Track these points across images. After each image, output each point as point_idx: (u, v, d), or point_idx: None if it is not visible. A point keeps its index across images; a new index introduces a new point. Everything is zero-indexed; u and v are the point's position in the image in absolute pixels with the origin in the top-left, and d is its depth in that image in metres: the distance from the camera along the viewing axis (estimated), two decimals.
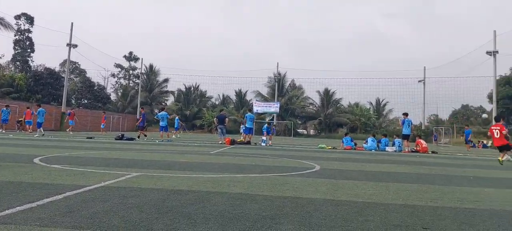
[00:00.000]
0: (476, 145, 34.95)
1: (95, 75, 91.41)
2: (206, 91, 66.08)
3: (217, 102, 65.85)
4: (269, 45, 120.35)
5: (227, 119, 22.78)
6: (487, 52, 36.64)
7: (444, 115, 59.95)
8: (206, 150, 14.15)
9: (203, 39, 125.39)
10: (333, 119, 57.16)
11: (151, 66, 64.25)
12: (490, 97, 40.68)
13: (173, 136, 27.28)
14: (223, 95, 65.41)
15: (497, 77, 38.21)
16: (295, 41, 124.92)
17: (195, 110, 61.49)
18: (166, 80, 65.16)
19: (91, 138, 20.87)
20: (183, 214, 3.64)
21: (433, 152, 19.77)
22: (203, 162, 9.16)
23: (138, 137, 21.94)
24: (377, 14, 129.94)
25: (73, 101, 54.91)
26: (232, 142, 19.49)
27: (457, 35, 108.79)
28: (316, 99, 60.14)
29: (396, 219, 3.84)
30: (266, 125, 24.19)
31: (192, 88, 65.45)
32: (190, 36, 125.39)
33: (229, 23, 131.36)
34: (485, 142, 35.07)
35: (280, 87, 57.24)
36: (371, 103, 62.69)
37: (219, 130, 21.34)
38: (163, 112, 22.85)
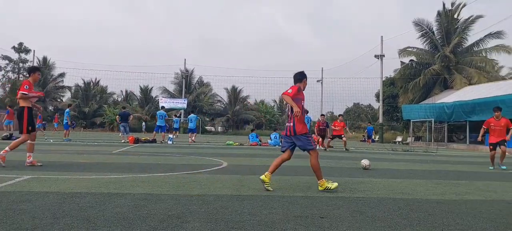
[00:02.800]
0: (366, 139, 38.57)
1: None
2: (107, 86, 62.32)
3: (119, 99, 62.52)
4: (177, 41, 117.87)
5: (131, 116, 21.84)
6: (375, 56, 40.66)
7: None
8: (107, 150, 13.39)
9: (105, 33, 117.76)
10: (240, 116, 58.20)
11: (45, 59, 58.45)
12: (377, 96, 45.15)
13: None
14: (127, 91, 62.34)
15: (383, 79, 42.58)
16: (203, 39, 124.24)
17: (95, 107, 57.61)
18: (62, 75, 59.89)
19: None
20: (82, 218, 3.43)
21: (329, 146, 21.28)
22: (104, 162, 8.67)
23: None
24: (280, 16, 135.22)
25: None
26: (136, 141, 18.72)
27: (351, 40, 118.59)
28: (224, 96, 60.69)
29: (298, 210, 4.10)
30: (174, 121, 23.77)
31: (92, 84, 61.19)
32: (91, 29, 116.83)
33: (133, 17, 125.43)
34: (372, 137, 38.80)
35: (187, 84, 56.44)
36: (275, 101, 65.27)
37: (121, 128, 20.38)
38: (66, 110, 21.69)
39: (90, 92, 60.20)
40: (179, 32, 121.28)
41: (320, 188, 5.45)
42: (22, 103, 7.38)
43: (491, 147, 10.49)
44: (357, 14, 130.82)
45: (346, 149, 17.80)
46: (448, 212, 4.29)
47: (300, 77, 6.03)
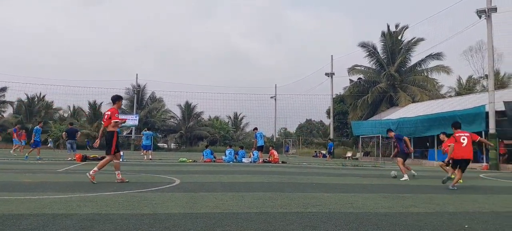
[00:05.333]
0: (317, 154, 39.47)
1: None
2: (53, 102, 59.20)
3: (66, 115, 59.57)
4: (127, 55, 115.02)
5: (78, 133, 20.92)
6: (326, 74, 42.10)
7: (292, 128, 66.24)
8: (52, 168, 12.68)
9: (51, 44, 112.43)
10: (194, 132, 57.48)
11: None
12: (328, 112, 46.55)
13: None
14: (74, 106, 59.54)
15: (334, 96, 44.10)
16: (155, 53, 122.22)
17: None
18: (3, 89, 56.22)
19: None
20: None
21: (283, 162, 21.58)
22: (49, 182, 8.21)
23: None
24: (234, 33, 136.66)
25: None
26: (84, 158, 17.90)
27: (304, 58, 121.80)
28: (177, 112, 59.70)
29: (252, 227, 4.10)
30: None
31: (36, 99, 57.92)
32: (36, 40, 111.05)
33: (81, 28, 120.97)
34: (324, 152, 39.90)
35: (139, 100, 55.04)
36: (230, 117, 65.30)
37: (68, 145, 19.45)
38: (36, 127, 20.78)
39: (34, 108, 56.99)
40: (131, 47, 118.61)
41: None
42: (110, 128, 8.47)
43: None
44: (309, 33, 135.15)
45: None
46: (395, 224, 4.48)
47: None
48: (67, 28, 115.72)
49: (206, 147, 23.86)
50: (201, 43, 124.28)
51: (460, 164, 9.14)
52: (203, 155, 20.82)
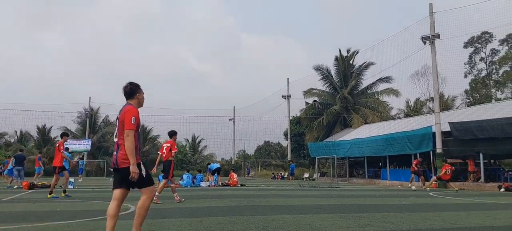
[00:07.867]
0: (276, 176, 39.72)
1: None
2: None
3: (12, 140, 56.14)
4: (79, 77, 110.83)
5: (25, 159, 19.82)
6: (283, 96, 42.84)
7: (251, 150, 66.26)
8: None
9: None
10: (150, 156, 55.91)
11: None
12: (285, 134, 47.21)
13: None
14: (22, 131, 56.25)
15: (291, 118, 44.88)
16: (109, 75, 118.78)
17: None
18: None
19: None
20: None
21: (242, 185, 21.49)
22: None
23: None
24: (190, 55, 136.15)
25: None
26: (31, 186, 16.88)
27: (260, 80, 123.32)
28: None
29: None
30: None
31: None
32: None
33: (31, 51, 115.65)
34: (282, 173, 40.22)
35: (92, 124, 53.03)
36: (188, 140, 64.29)
37: (16, 172, 18.33)
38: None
39: None
40: (83, 69, 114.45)
41: None
42: (169, 158, 10.72)
43: None
44: (266, 56, 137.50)
45: None
46: None
47: None
48: (13, 51, 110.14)
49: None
50: (156, 64, 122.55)
51: None
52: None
